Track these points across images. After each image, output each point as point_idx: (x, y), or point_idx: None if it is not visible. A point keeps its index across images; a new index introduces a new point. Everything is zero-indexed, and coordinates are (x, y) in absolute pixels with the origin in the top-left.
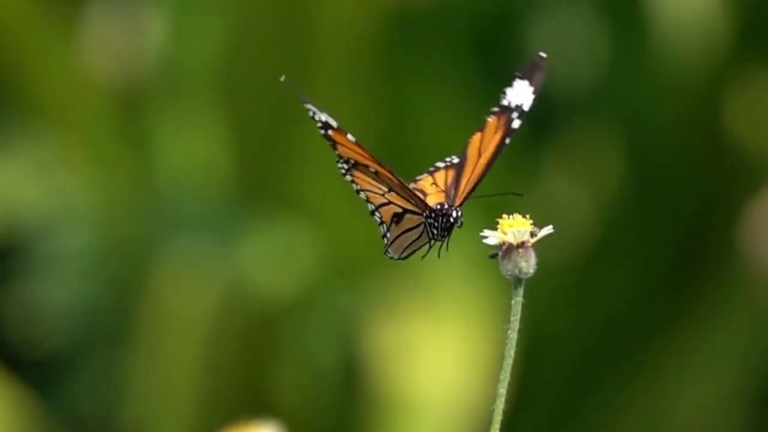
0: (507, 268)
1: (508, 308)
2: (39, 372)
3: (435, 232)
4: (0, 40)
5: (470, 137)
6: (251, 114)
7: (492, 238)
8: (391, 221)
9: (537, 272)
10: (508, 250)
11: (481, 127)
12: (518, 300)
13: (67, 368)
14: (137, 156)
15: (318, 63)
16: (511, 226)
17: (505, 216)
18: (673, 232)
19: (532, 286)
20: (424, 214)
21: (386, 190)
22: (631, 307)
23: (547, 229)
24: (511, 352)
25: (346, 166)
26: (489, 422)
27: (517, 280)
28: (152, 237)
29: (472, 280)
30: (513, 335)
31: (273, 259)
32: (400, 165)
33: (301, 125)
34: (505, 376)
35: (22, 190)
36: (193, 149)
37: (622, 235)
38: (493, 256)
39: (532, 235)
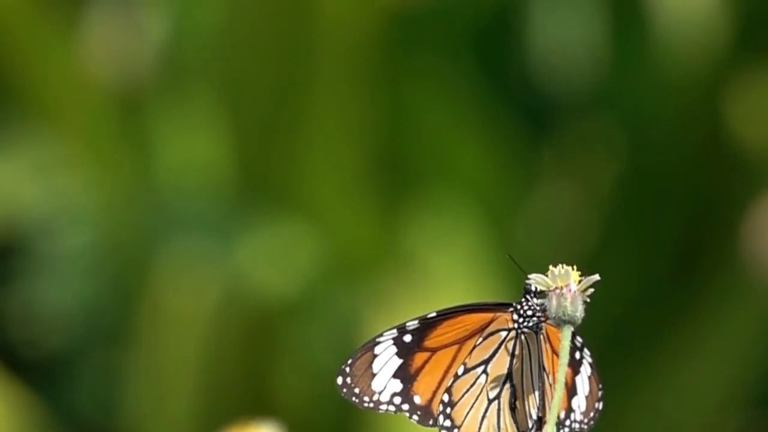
0: (552, 311)
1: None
2: (39, 372)
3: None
4: (0, 40)
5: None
6: (251, 114)
7: (538, 283)
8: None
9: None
10: (553, 292)
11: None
12: (566, 345)
13: (67, 368)
14: (137, 156)
15: (318, 63)
16: (558, 274)
17: (552, 268)
18: (673, 232)
19: None
20: (513, 320)
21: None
22: (630, 307)
23: (594, 277)
24: (559, 393)
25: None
26: None
27: (564, 323)
28: (152, 237)
29: (472, 280)
30: (561, 378)
31: (273, 259)
32: (399, 165)
33: (301, 125)
34: (553, 420)
35: (22, 190)
36: (193, 149)
37: (621, 234)
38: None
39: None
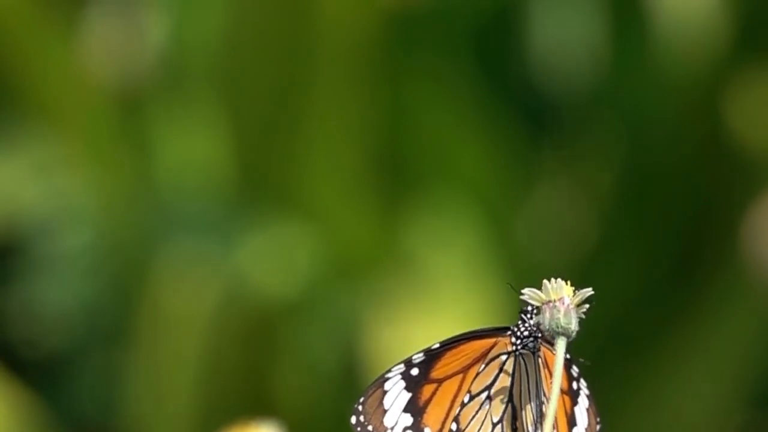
0: (545, 324)
1: (508, 308)
2: (39, 372)
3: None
4: (0, 40)
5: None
6: (251, 114)
7: (531, 297)
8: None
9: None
10: (547, 305)
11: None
12: (560, 356)
13: (67, 368)
14: (137, 156)
15: (318, 63)
16: (551, 288)
17: (546, 282)
18: (673, 232)
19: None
20: (511, 340)
21: (490, 381)
22: (630, 307)
23: (587, 291)
24: (554, 406)
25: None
26: None
27: (557, 335)
28: (152, 237)
29: (472, 280)
30: (556, 389)
31: (273, 259)
32: (399, 165)
33: (301, 125)
34: (549, 428)
35: (22, 190)
36: (193, 149)
37: (621, 234)
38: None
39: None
